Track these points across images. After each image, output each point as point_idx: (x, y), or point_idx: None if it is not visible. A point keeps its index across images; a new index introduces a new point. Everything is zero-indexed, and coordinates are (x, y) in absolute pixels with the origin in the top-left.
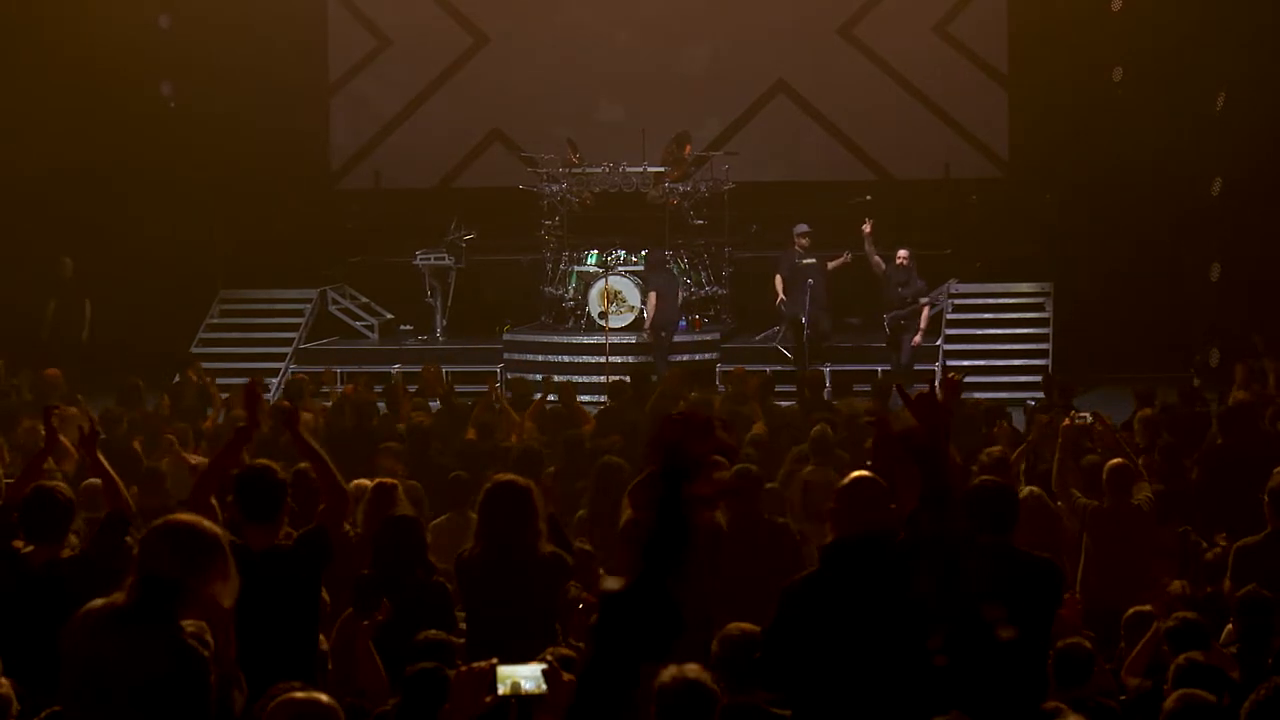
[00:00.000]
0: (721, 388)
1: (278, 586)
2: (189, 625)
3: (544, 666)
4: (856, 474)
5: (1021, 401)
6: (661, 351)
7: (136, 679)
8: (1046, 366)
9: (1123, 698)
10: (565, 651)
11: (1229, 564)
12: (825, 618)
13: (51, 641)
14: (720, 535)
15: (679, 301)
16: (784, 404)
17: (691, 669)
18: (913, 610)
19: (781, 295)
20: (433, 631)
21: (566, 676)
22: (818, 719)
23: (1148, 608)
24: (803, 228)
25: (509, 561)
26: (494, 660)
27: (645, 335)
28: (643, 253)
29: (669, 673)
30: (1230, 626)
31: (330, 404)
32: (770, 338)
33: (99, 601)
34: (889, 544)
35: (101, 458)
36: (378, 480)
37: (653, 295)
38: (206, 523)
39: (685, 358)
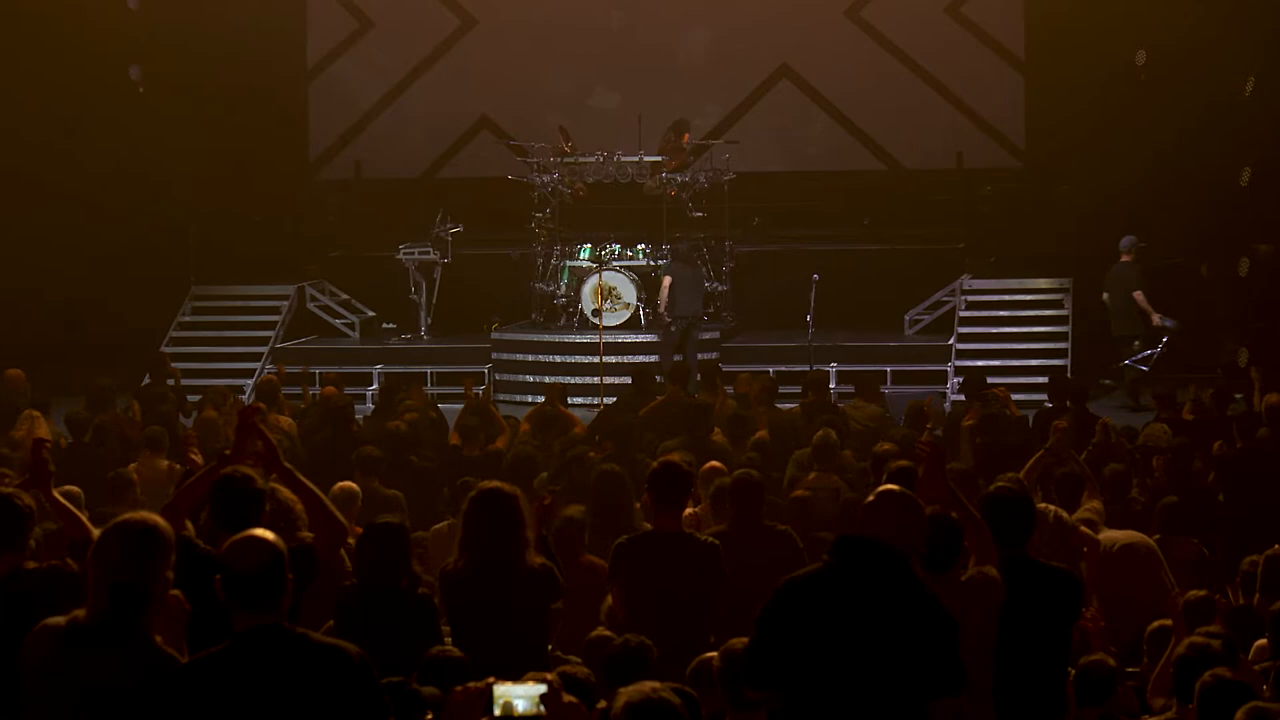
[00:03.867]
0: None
1: None
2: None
3: (543, 689)
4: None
5: (1040, 404)
6: (668, 346)
7: (114, 696)
8: (1064, 367)
9: (1145, 718)
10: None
11: (1259, 575)
12: (827, 613)
13: (15, 654)
14: (719, 550)
15: (700, 296)
16: (786, 405)
17: (658, 687)
18: (919, 614)
19: (1153, 311)
20: (441, 648)
21: (568, 698)
22: (805, 714)
23: (1168, 622)
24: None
25: (495, 574)
26: (490, 680)
27: (659, 321)
28: (640, 246)
29: (633, 691)
30: (1261, 642)
31: (304, 406)
32: (1139, 359)
33: (58, 619)
34: (898, 550)
35: (57, 494)
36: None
37: (666, 280)
38: (158, 519)
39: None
